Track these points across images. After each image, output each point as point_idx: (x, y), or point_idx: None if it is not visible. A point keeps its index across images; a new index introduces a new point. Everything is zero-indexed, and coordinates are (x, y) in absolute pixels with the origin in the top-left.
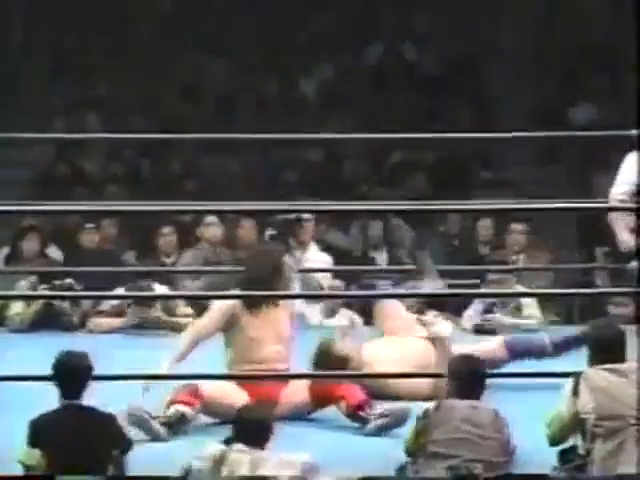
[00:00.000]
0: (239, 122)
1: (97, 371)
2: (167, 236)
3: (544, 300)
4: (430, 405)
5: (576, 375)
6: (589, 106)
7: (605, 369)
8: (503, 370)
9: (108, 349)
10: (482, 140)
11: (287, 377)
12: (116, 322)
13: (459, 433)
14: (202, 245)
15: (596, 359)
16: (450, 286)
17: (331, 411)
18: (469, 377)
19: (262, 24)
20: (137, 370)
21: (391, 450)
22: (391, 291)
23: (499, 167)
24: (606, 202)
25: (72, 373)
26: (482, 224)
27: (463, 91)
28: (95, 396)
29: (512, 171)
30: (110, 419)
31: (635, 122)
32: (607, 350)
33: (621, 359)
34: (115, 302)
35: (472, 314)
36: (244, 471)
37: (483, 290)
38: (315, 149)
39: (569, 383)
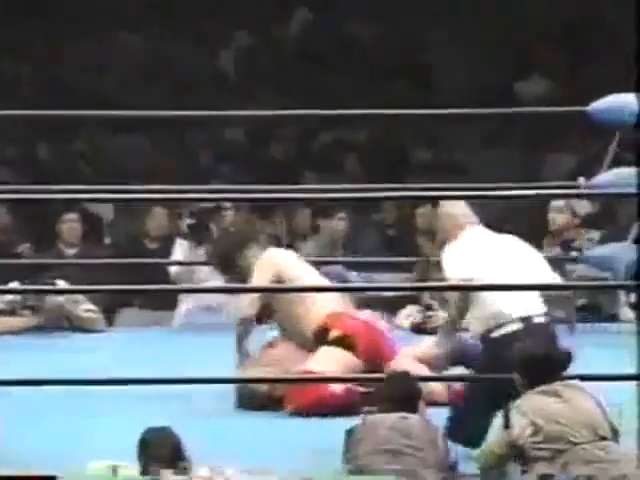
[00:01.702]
0: (150, 98)
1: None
2: (70, 223)
3: None
4: (356, 422)
5: (505, 410)
6: (541, 80)
7: (538, 392)
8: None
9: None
10: (421, 118)
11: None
12: (14, 322)
13: (386, 444)
14: None
15: (528, 384)
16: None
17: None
18: (403, 399)
19: None
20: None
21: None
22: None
23: (440, 148)
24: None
25: None
26: (422, 212)
27: (400, 65)
28: None
29: (456, 153)
30: None
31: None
32: (538, 373)
33: (554, 378)
34: (9, 299)
35: (410, 312)
36: None
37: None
38: (236, 128)
39: (498, 417)
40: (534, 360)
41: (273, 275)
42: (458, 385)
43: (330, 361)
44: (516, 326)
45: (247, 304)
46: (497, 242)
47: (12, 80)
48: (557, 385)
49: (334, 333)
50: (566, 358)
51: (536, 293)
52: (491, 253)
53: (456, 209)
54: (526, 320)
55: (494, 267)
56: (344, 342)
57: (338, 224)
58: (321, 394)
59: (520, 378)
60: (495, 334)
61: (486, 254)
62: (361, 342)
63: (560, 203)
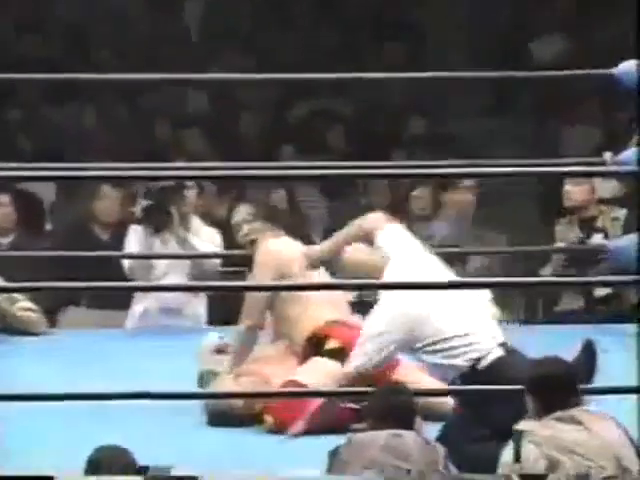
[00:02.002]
0: (97, 61)
1: None
2: (2, 207)
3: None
4: (341, 442)
5: (516, 437)
6: (555, 39)
7: (554, 419)
8: None
9: None
10: (415, 82)
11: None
12: None
13: (376, 466)
14: None
15: (542, 409)
16: None
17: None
18: (396, 414)
19: None
20: None
21: None
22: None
23: (436, 119)
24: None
25: None
26: (418, 194)
27: (389, 21)
28: None
29: (455, 124)
30: None
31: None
32: (554, 396)
33: (573, 403)
34: None
35: None
36: None
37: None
38: (198, 94)
39: (508, 448)
40: (551, 380)
41: (275, 272)
42: None
43: (321, 373)
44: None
45: (252, 309)
46: None
47: None
48: (575, 410)
49: (330, 344)
50: (587, 377)
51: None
52: None
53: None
54: (504, 345)
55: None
56: (340, 354)
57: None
58: (305, 409)
59: (533, 402)
60: (482, 365)
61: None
62: None
63: None
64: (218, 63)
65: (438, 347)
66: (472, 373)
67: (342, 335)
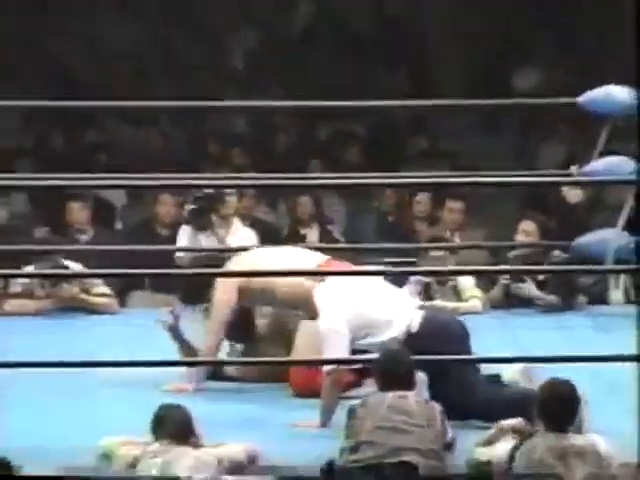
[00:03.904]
0: (156, 90)
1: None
2: (77, 212)
3: (485, 285)
4: (356, 402)
5: (515, 447)
6: (534, 71)
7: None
8: None
9: (26, 333)
10: (418, 108)
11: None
12: (31, 304)
13: (386, 422)
14: None
15: (548, 426)
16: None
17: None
18: (399, 377)
19: None
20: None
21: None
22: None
23: (436, 137)
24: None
25: None
26: (419, 199)
27: (397, 55)
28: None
29: (450, 142)
30: None
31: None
32: (558, 416)
33: (569, 421)
34: (27, 282)
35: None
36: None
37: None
38: (241, 120)
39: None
40: (557, 401)
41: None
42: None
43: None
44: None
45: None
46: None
47: (24, 72)
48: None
49: None
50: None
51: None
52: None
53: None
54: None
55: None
56: None
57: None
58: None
59: (539, 420)
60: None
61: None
62: None
63: None
64: (258, 92)
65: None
66: (409, 337)
67: None
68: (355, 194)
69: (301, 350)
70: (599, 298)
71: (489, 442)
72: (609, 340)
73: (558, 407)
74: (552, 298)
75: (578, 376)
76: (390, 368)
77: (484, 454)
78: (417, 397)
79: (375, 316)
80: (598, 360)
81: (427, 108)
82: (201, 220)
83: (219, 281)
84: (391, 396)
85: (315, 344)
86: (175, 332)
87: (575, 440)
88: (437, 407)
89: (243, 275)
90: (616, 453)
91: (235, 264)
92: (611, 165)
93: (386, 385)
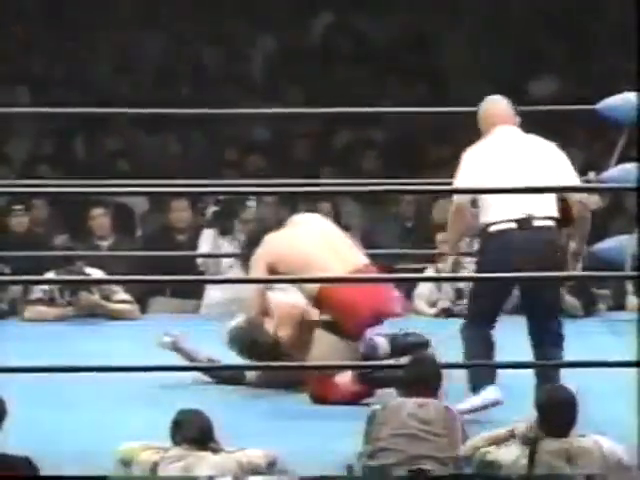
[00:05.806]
0: (178, 97)
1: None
2: (98, 218)
3: None
4: (377, 406)
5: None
6: (550, 79)
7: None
8: None
9: (47, 339)
10: (437, 116)
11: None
12: (51, 311)
13: (405, 429)
14: None
15: (549, 432)
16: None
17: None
18: (426, 380)
19: None
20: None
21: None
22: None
23: (455, 144)
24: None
25: None
26: (439, 206)
27: (415, 65)
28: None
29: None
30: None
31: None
32: (560, 422)
33: (570, 426)
34: (46, 288)
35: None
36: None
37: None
38: (260, 128)
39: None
40: (557, 408)
41: (268, 264)
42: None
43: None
44: (510, 225)
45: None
46: (518, 145)
47: (45, 79)
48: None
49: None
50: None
51: (545, 197)
52: (506, 156)
53: (493, 109)
54: (522, 221)
55: (503, 170)
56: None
57: None
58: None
59: (540, 424)
60: (492, 229)
61: (501, 157)
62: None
63: None
64: (277, 99)
65: None
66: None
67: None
68: (374, 201)
69: (318, 358)
70: (617, 304)
71: (495, 442)
72: (623, 345)
73: (558, 413)
74: (574, 304)
75: (593, 381)
76: (418, 374)
77: (490, 454)
78: (438, 405)
79: None
80: (605, 366)
81: (444, 114)
82: (223, 224)
83: (252, 259)
84: (412, 402)
85: (332, 352)
86: (181, 351)
87: (579, 442)
88: (457, 415)
89: (268, 282)
90: (621, 453)
91: (270, 240)
92: (628, 172)
93: (411, 391)
